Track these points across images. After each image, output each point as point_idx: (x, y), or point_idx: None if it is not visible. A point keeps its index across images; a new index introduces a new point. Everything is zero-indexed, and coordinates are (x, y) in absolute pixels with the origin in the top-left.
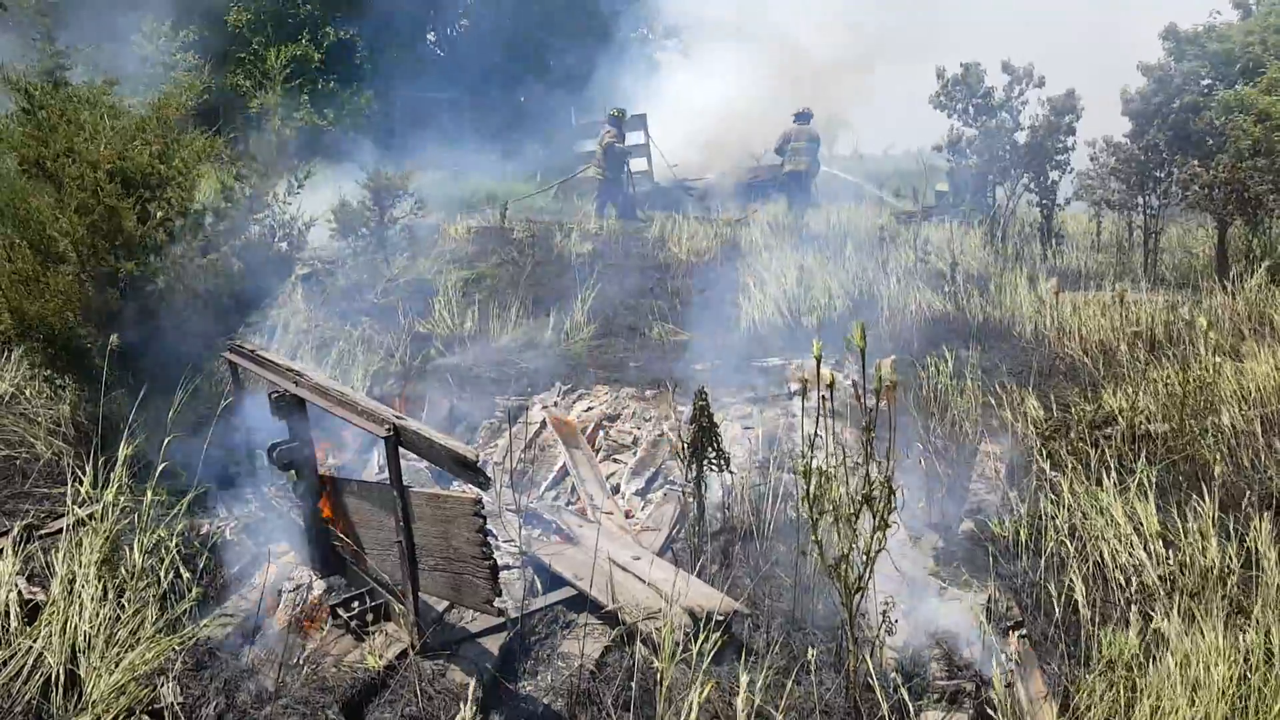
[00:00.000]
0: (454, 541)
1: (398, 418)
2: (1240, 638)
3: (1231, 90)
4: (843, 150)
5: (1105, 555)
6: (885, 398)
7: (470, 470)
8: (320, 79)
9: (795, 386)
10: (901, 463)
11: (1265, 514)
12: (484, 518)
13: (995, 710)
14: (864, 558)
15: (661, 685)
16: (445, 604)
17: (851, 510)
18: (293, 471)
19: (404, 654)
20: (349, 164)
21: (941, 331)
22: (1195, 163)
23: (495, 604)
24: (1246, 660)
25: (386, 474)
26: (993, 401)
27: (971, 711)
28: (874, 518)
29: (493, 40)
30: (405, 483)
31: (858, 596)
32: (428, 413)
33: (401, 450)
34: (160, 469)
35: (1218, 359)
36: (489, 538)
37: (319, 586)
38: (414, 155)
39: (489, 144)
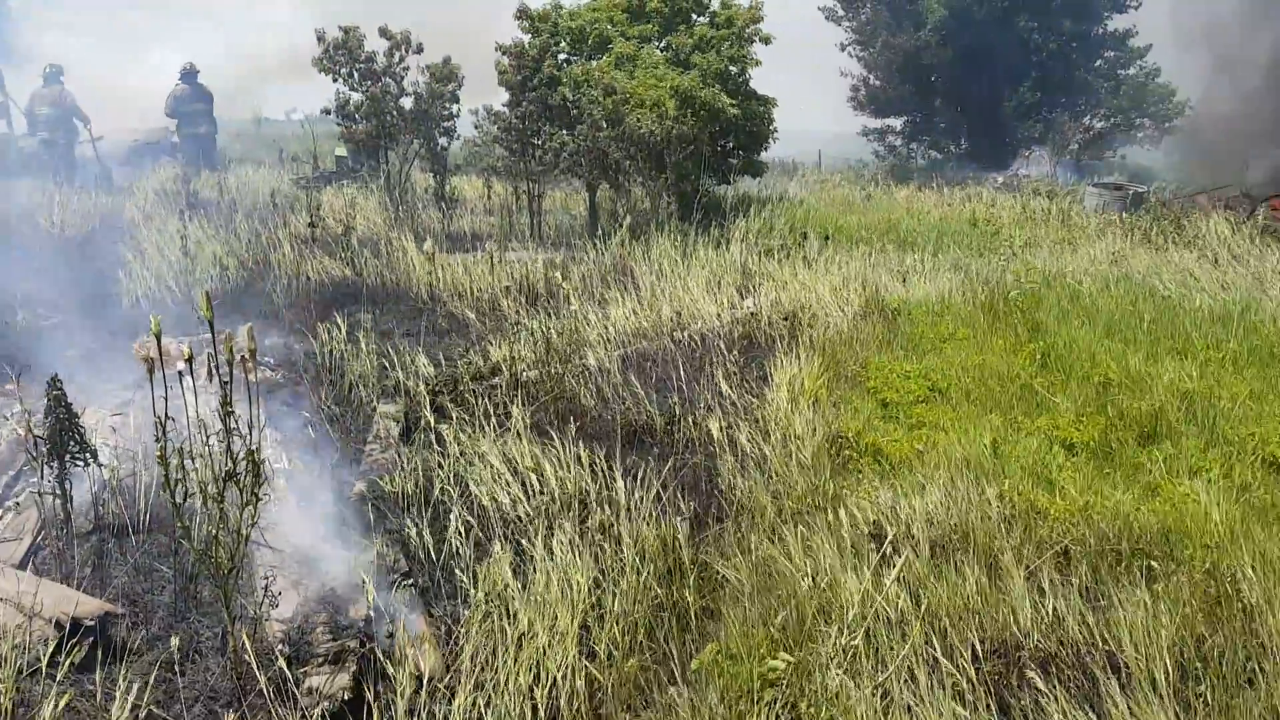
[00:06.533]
0: None
1: None
2: (598, 550)
3: (579, 65)
4: (243, 114)
5: (485, 496)
6: (243, 368)
7: None
8: None
9: (143, 366)
10: (295, 434)
11: (621, 440)
12: None
13: (381, 661)
14: (236, 535)
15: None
16: None
17: (216, 489)
18: None
19: None
20: None
21: (340, 296)
22: (564, 132)
23: None
24: (606, 573)
25: None
26: (386, 363)
27: (355, 667)
28: (242, 494)
29: None
30: None
31: (236, 576)
32: None
33: None
34: None
35: (579, 307)
36: None
37: None
38: None
39: None
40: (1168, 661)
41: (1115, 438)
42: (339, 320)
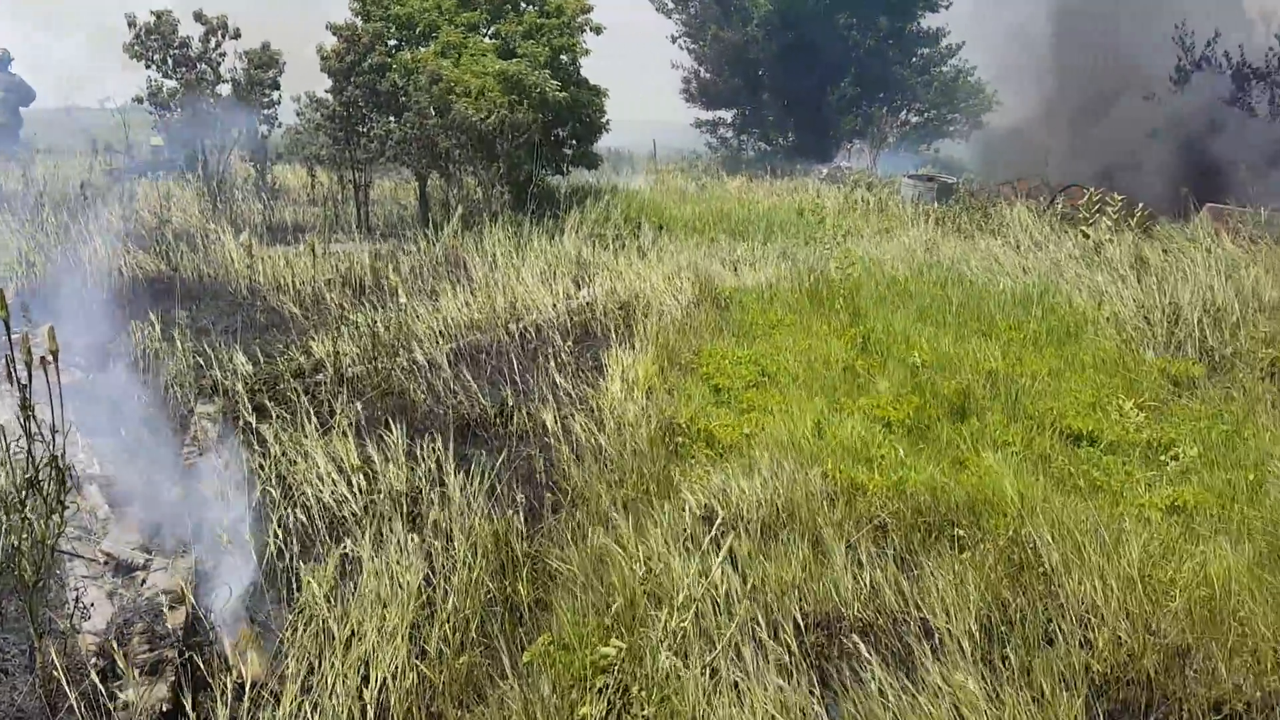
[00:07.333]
0: None
1: None
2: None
3: (409, 52)
4: (51, 103)
5: (310, 496)
6: (44, 369)
7: None
8: None
9: None
10: (106, 438)
11: (454, 434)
12: None
13: (201, 670)
14: (42, 546)
15: None
16: None
17: (18, 498)
18: None
19: None
20: None
21: (155, 292)
22: (391, 119)
23: None
24: (437, 569)
25: None
26: (203, 361)
27: (173, 677)
28: (46, 502)
29: None
30: None
31: (43, 588)
32: None
33: None
34: None
35: (407, 300)
36: None
37: None
38: None
39: None
40: (974, 626)
41: (928, 415)
42: (153, 317)
